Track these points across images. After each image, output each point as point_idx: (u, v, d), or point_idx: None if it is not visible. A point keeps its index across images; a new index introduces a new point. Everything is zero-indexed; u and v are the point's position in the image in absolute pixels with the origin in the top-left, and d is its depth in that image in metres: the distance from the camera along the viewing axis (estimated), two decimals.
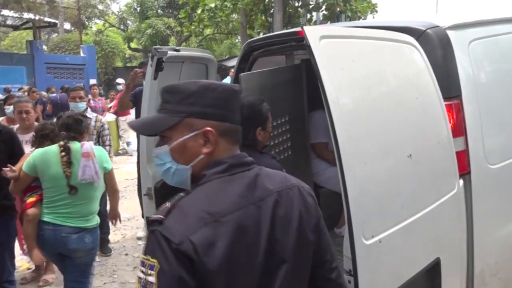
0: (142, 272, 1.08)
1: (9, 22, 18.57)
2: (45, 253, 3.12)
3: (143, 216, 5.69)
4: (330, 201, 3.73)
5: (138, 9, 23.94)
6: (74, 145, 3.07)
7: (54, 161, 3.00)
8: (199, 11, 15.77)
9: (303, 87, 3.24)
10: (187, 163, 1.21)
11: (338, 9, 15.09)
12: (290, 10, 16.79)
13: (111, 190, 3.39)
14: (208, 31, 18.79)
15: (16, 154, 3.35)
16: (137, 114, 5.32)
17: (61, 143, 3.05)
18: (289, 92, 3.08)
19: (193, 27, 16.89)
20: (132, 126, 1.37)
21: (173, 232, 1.06)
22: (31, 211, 3.00)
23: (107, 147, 4.55)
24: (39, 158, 3.04)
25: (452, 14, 2.54)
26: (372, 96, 1.74)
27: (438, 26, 2.32)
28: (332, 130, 1.56)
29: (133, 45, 26.41)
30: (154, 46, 2.75)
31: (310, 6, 17.01)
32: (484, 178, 2.31)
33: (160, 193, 2.87)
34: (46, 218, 3.01)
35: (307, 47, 1.52)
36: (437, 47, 2.23)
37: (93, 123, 4.55)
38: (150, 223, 1.11)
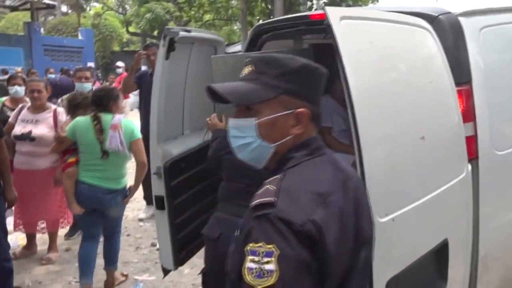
0: (253, 261, 0.98)
1: (7, 2, 18.34)
2: (82, 206, 3.54)
3: (144, 198, 5.76)
4: None
5: None
6: (106, 116, 3.50)
7: (89, 129, 3.47)
8: None
9: None
10: (273, 141, 1.16)
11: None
12: None
13: (138, 161, 3.64)
14: (207, 17, 18.67)
15: None
16: (141, 96, 5.33)
17: (92, 113, 3.51)
18: None
19: (192, 12, 16.83)
20: (220, 90, 1.20)
21: (292, 214, 1.00)
22: (70, 169, 3.54)
23: None
24: (78, 125, 3.54)
25: (462, 1, 2.56)
26: (388, 78, 1.77)
27: (450, 13, 2.34)
28: (351, 112, 1.59)
29: (131, 29, 26.21)
30: (166, 27, 2.75)
31: None
32: (491, 164, 2.36)
33: (170, 172, 2.90)
34: (82, 178, 3.51)
35: (328, 27, 1.54)
36: (449, 33, 2.26)
37: None
38: (258, 207, 1.02)
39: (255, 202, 1.04)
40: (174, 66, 2.90)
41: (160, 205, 2.92)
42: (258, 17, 17.62)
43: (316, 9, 16.58)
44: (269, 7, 16.92)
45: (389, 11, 2.18)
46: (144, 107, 5.08)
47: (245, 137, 1.17)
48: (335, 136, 3.57)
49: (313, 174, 1.11)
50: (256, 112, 1.16)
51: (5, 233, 3.49)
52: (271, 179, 1.10)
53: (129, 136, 3.54)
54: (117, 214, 3.75)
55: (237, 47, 12.96)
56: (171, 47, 2.76)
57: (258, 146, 1.17)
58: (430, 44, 2.00)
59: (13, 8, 20.15)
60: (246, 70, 1.21)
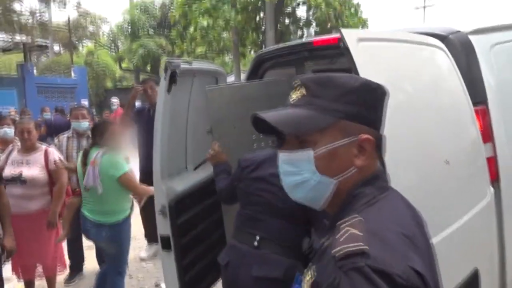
0: None
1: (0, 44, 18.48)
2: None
3: (145, 236, 5.58)
4: None
5: (129, 29, 23.98)
6: (93, 150, 3.47)
7: (79, 162, 3.56)
8: (191, 30, 15.83)
9: None
10: (334, 175, 0.99)
11: (329, 25, 15.25)
12: (280, 28, 16.94)
13: (133, 193, 3.58)
14: (199, 50, 18.85)
15: None
16: (140, 132, 5.22)
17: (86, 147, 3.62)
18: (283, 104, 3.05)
19: (185, 46, 16.95)
20: (269, 118, 1.02)
21: (390, 263, 0.81)
22: (70, 199, 3.80)
23: None
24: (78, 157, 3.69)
25: (470, 20, 2.52)
26: (408, 100, 1.69)
27: (459, 32, 2.29)
28: None
29: (124, 65, 26.37)
30: (167, 59, 2.68)
31: (301, 23, 17.21)
32: None
33: (175, 210, 2.77)
34: (82, 209, 3.58)
35: (345, 50, 1.46)
36: (460, 52, 2.20)
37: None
38: (346, 257, 0.84)
39: (341, 251, 0.85)
40: (176, 99, 2.82)
41: (166, 246, 2.78)
42: (250, 48, 17.79)
43: (307, 37, 16.80)
44: (261, 37, 17.13)
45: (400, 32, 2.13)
46: (144, 143, 4.98)
47: (301, 172, 1.00)
48: None
49: (394, 213, 0.95)
50: (311, 143, 0.99)
51: (1, 283, 3.32)
52: (347, 221, 0.91)
53: (108, 172, 3.35)
54: (109, 250, 3.57)
55: (231, 79, 13.00)
56: (172, 80, 2.68)
57: (318, 183, 1.00)
58: (446, 64, 1.94)
59: (6, 50, 20.28)
60: (295, 94, 1.05)
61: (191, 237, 2.89)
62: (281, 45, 3.14)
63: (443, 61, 1.94)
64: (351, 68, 1.52)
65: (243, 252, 2.24)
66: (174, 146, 2.93)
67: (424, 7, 31.62)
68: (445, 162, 1.74)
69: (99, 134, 3.47)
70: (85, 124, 4.58)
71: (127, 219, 3.58)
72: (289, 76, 3.27)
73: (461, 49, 2.21)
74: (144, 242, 5.68)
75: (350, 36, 1.47)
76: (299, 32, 17.36)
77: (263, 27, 16.69)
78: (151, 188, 3.40)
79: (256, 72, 3.22)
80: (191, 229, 2.89)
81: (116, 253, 3.58)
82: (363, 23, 16.59)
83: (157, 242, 5.32)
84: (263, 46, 16.63)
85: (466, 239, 1.89)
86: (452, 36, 2.24)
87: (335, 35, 2.78)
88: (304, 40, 2.92)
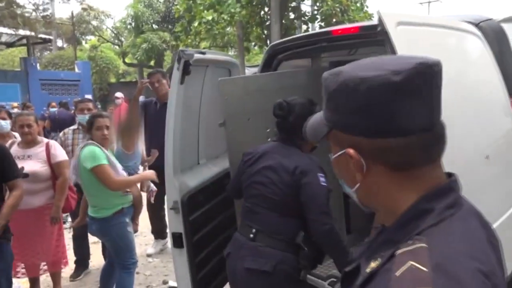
0: None
1: (3, 39, 18.35)
2: None
3: (152, 232, 5.48)
4: (359, 212, 3.54)
5: (133, 23, 23.84)
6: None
7: None
8: (195, 24, 15.70)
9: None
10: (350, 185, 0.89)
11: (334, 20, 15.09)
12: (285, 22, 16.79)
13: (108, 188, 3.35)
14: (204, 44, 18.71)
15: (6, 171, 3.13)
16: (146, 126, 5.11)
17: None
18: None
19: (189, 40, 16.80)
20: (308, 121, 0.97)
21: None
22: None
23: None
24: None
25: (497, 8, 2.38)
26: (447, 89, 1.56)
27: (491, 19, 2.16)
28: None
29: (127, 60, 26.24)
30: (180, 48, 2.56)
31: (306, 18, 17.05)
32: None
33: (188, 206, 2.66)
34: None
35: (383, 34, 1.34)
36: (493, 40, 2.07)
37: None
38: None
39: None
40: (188, 91, 2.71)
41: (178, 243, 2.67)
42: (254, 43, 17.64)
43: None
44: (265, 32, 16.98)
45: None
46: (150, 137, 4.87)
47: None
48: None
49: (467, 238, 0.76)
50: (331, 148, 0.90)
51: (10, 282, 3.22)
52: (407, 246, 0.74)
53: (82, 164, 3.29)
54: (107, 244, 3.61)
55: None
56: (186, 70, 2.56)
57: (344, 188, 0.92)
58: (483, 52, 1.81)
59: (9, 44, 20.19)
60: None
61: (204, 234, 2.78)
62: (296, 35, 3.01)
63: (480, 48, 1.81)
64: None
65: (241, 243, 2.29)
66: (187, 139, 2.82)
67: (429, 2, 31.36)
68: (485, 158, 1.62)
69: (88, 127, 3.47)
70: None
71: (120, 215, 3.43)
72: (305, 68, 3.16)
73: (493, 37, 2.08)
74: (151, 238, 5.57)
75: (389, 19, 1.35)
76: (304, 27, 17.19)
77: (268, 22, 16.55)
78: (131, 179, 3.44)
79: (270, 63, 3.10)
80: (204, 225, 2.78)
81: (114, 248, 3.52)
82: (368, 18, 16.41)
83: (164, 238, 5.33)
84: (268, 41, 16.50)
85: (508, 238, 1.76)
86: (483, 23, 2.11)
87: (353, 24, 2.65)
88: (322, 30, 2.78)
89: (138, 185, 3.71)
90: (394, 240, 0.78)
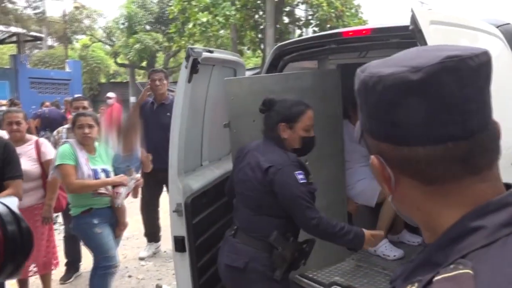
0: None
1: None
2: None
3: (145, 235, 5.37)
4: (363, 217, 3.49)
5: (126, 24, 23.64)
6: None
7: None
8: (190, 26, 15.59)
9: (336, 93, 3.03)
10: (387, 196, 0.78)
11: (329, 25, 15.10)
12: (280, 26, 16.78)
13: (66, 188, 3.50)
14: (197, 46, 18.66)
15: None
16: (145, 128, 5.01)
17: None
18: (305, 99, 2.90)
19: (183, 42, 16.67)
20: None
21: None
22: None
23: None
24: None
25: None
26: None
27: (508, 23, 2.12)
28: None
29: (119, 60, 26.03)
30: (189, 46, 2.49)
31: (301, 22, 17.06)
32: None
33: (191, 209, 2.58)
34: None
35: (417, 33, 1.28)
36: (510, 45, 2.02)
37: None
38: None
39: None
40: (194, 90, 2.63)
41: (180, 247, 2.59)
42: (247, 46, 17.60)
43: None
44: (259, 36, 16.95)
45: None
46: (147, 138, 4.78)
47: None
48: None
49: None
50: None
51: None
52: (449, 271, 0.61)
53: (54, 161, 3.40)
54: (83, 240, 3.69)
55: None
56: (194, 69, 2.49)
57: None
58: (507, 56, 1.76)
59: (0, 41, 19.88)
60: None
61: (206, 238, 2.70)
62: (304, 37, 2.95)
63: (505, 52, 1.77)
64: None
65: (226, 239, 2.35)
66: (191, 140, 2.74)
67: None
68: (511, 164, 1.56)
69: (72, 125, 3.52)
70: None
71: (87, 215, 3.40)
72: (312, 70, 3.10)
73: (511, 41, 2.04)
74: (143, 241, 5.46)
75: (423, 17, 1.29)
76: (298, 31, 17.20)
77: (262, 26, 16.52)
78: (92, 183, 3.35)
79: (275, 65, 3.04)
80: (207, 229, 2.70)
81: (87, 247, 3.60)
82: (363, 24, 16.47)
83: (157, 241, 5.22)
84: (261, 44, 16.47)
85: None
86: (502, 28, 2.07)
87: (365, 26, 2.60)
88: (331, 31, 2.72)
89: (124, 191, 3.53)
90: (433, 262, 0.66)
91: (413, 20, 1.28)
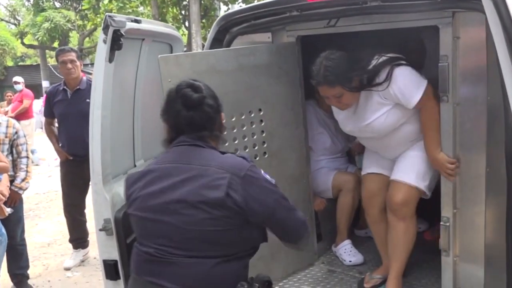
0: None
1: None
2: None
3: (70, 241, 4.65)
4: (328, 215, 3.11)
5: (31, 1, 21.51)
6: None
7: None
8: (105, 2, 14.45)
9: (296, 71, 2.57)
10: None
11: (256, 1, 14.69)
12: (204, 2, 16.11)
13: None
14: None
15: None
16: (60, 122, 4.24)
17: None
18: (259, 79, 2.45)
19: (99, 20, 15.46)
20: None
21: None
22: None
23: (24, 159, 3.53)
24: None
25: None
26: None
27: None
28: None
29: (26, 41, 23.82)
30: (107, 13, 1.88)
31: None
32: None
33: (124, 225, 2.01)
34: None
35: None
36: None
37: (3, 129, 3.45)
38: None
39: None
40: (119, 71, 2.04)
41: (112, 274, 2.04)
42: (170, 24, 16.76)
43: None
44: (183, 12, 16.14)
45: None
46: (63, 128, 4.08)
47: None
48: None
49: None
50: None
51: None
52: None
53: None
54: None
55: None
56: (116, 44, 1.90)
57: None
58: None
59: None
60: None
61: None
62: (255, 4, 2.44)
63: None
64: None
65: None
66: (119, 136, 2.16)
67: None
68: None
69: None
70: None
71: None
72: (266, 43, 2.61)
73: None
74: (66, 246, 4.77)
75: None
76: (224, 7, 16.63)
77: (185, 1, 15.74)
78: None
79: (221, 39, 2.52)
80: None
81: None
82: None
83: (85, 248, 4.55)
84: (186, 22, 15.73)
85: None
86: None
87: None
88: None
89: None
90: None
91: None
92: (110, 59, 1.91)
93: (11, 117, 8.92)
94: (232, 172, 1.49)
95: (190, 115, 1.58)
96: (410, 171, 2.36)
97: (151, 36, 2.26)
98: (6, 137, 3.46)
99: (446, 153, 2.16)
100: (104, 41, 1.88)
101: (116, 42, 1.89)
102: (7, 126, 3.50)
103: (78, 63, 3.98)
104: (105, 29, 1.87)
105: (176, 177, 1.53)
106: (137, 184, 1.60)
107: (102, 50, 1.88)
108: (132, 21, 2.03)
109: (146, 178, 1.59)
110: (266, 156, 2.50)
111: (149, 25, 2.20)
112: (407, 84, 2.19)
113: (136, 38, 2.15)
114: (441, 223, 2.21)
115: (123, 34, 1.90)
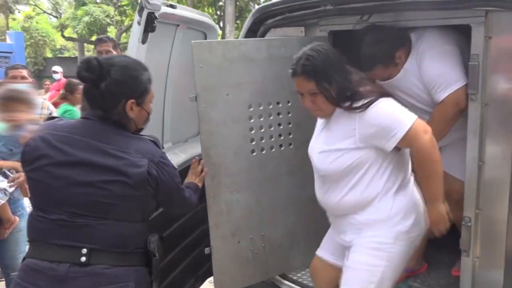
0: None
1: None
2: None
3: None
4: None
5: None
6: None
7: None
8: None
9: None
10: None
11: None
12: (239, 4, 16.23)
13: None
14: None
15: None
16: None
17: None
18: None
19: None
20: None
21: None
22: None
23: None
24: None
25: None
26: None
27: None
28: None
29: (66, 34, 24.49)
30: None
31: (261, 0, 16.57)
32: None
33: None
34: None
35: None
36: None
37: (38, 110, 3.59)
38: None
39: None
40: (152, 54, 2.11)
41: None
42: None
43: None
44: (218, 13, 16.28)
45: None
46: None
47: None
48: None
49: None
50: None
51: None
52: None
53: None
54: None
55: None
56: (150, 26, 1.97)
57: None
58: None
59: None
60: None
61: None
62: None
63: None
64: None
65: (66, 276, 1.71)
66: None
67: None
68: None
69: None
70: (24, 86, 3.72)
71: None
72: (298, 37, 2.64)
73: None
74: None
75: None
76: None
77: (221, 2, 15.88)
78: None
79: (255, 30, 2.56)
80: (175, 244, 2.21)
81: None
82: None
83: None
84: (221, 22, 15.84)
85: None
86: None
87: None
88: None
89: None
90: None
91: None
92: (144, 41, 1.98)
93: None
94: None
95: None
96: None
97: (185, 23, 2.33)
98: (40, 118, 3.59)
99: (471, 153, 2.13)
100: (138, 23, 1.95)
101: (150, 24, 1.96)
102: (41, 108, 3.63)
103: (114, 53, 4.11)
104: (140, 11, 1.94)
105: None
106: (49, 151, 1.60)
107: (136, 31, 1.95)
108: (167, 5, 2.10)
109: (58, 147, 1.61)
110: (291, 147, 2.52)
111: (184, 11, 2.27)
112: (390, 115, 1.82)
113: (170, 23, 2.22)
114: (463, 223, 2.18)
115: (157, 17, 1.97)
